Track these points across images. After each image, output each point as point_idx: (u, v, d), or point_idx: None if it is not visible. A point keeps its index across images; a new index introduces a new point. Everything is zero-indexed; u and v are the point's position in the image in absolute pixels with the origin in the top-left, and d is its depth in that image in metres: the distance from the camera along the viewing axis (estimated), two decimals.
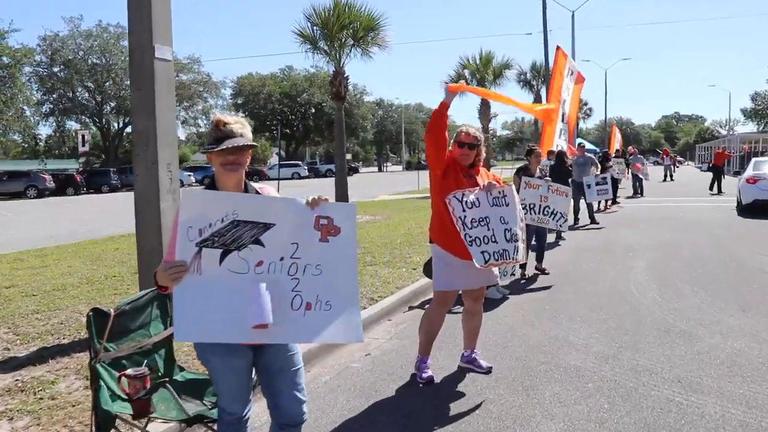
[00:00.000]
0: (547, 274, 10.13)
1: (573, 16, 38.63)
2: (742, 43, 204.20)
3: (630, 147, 30.70)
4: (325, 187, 40.98)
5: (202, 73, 61.93)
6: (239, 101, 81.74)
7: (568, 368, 5.54)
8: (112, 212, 25.46)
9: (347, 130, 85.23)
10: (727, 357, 5.71)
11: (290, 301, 3.07)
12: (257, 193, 3.37)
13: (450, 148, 5.20)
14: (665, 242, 13.08)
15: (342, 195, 18.22)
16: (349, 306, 3.22)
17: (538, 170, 10.33)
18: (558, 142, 18.45)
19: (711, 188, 28.97)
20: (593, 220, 16.88)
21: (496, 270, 5.31)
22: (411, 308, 7.95)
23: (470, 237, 4.88)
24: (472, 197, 4.96)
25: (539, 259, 10.42)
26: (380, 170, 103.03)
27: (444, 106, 4.96)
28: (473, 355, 5.58)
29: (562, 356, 5.87)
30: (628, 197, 26.07)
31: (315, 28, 17.32)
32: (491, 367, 5.48)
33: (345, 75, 17.95)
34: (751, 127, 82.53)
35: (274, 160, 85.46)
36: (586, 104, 77.89)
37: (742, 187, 19.44)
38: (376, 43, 17.90)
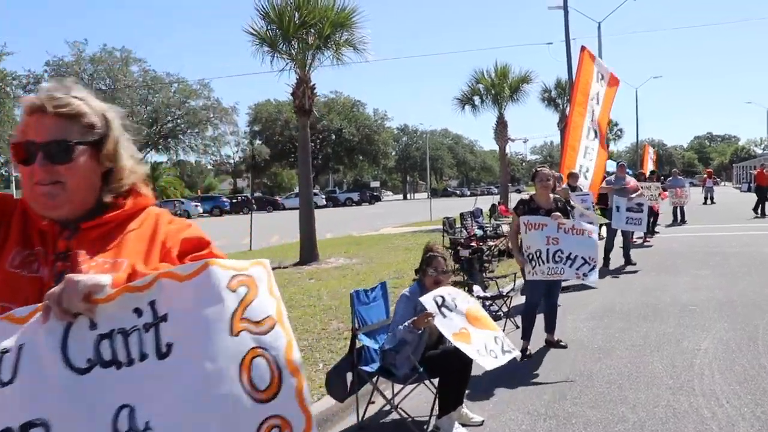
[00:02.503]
0: (564, 347, 6.85)
1: (599, 27, 35.03)
2: None
3: (674, 170, 26.92)
4: (335, 217, 38.52)
5: (212, 99, 59.01)
6: (256, 128, 79.32)
7: None
8: None
9: (368, 156, 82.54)
10: None
11: None
12: None
13: None
14: (733, 298, 9.21)
15: (308, 234, 14.61)
16: None
17: (552, 200, 6.81)
18: (582, 162, 14.77)
19: (756, 210, 25.46)
20: (628, 260, 13.12)
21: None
22: None
23: None
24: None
25: (549, 327, 7.05)
26: (405, 198, 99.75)
27: None
28: None
29: None
30: (669, 225, 22.20)
31: (272, 25, 13.91)
32: None
33: (311, 84, 14.44)
34: None
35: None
36: (616, 125, 74.14)
37: None
38: (350, 45, 14.38)
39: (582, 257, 6.61)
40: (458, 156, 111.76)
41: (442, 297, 4.54)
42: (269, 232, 25.53)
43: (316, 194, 67.60)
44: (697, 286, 10.34)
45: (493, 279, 8.88)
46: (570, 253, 6.57)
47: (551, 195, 6.93)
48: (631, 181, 13.65)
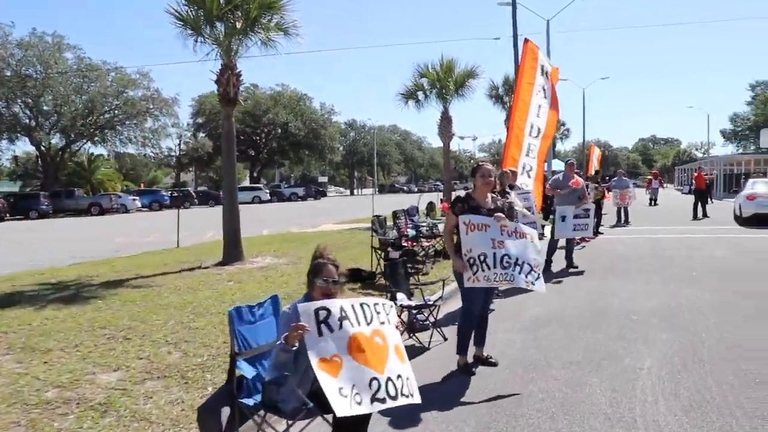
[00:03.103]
0: (494, 364, 6.18)
1: (548, 25, 34.86)
2: (720, 65, 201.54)
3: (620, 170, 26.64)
4: (277, 213, 37.33)
5: (152, 89, 56.94)
6: (200, 120, 77.29)
7: None
8: None
9: (314, 151, 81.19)
10: None
11: None
12: None
13: None
14: (678, 305, 8.68)
15: (231, 232, 13.60)
16: None
17: (490, 199, 6.00)
18: (525, 160, 14.12)
19: (695, 215, 25.30)
20: (570, 264, 12.52)
21: None
22: None
23: None
24: None
25: (479, 340, 6.29)
26: (352, 193, 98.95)
27: None
28: None
29: None
30: (612, 226, 21.85)
31: (194, 6, 12.81)
32: None
33: (237, 71, 13.39)
34: (731, 149, 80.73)
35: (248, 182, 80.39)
36: (563, 125, 74.61)
37: (743, 203, 22.51)
38: (280, 29, 13.39)
39: (528, 264, 5.86)
40: (406, 152, 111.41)
41: (327, 311, 3.68)
42: (206, 228, 24.28)
43: (260, 188, 66.42)
44: (643, 291, 9.77)
45: (418, 286, 8.05)
46: (518, 259, 5.80)
47: (490, 194, 6.16)
48: (578, 180, 12.94)
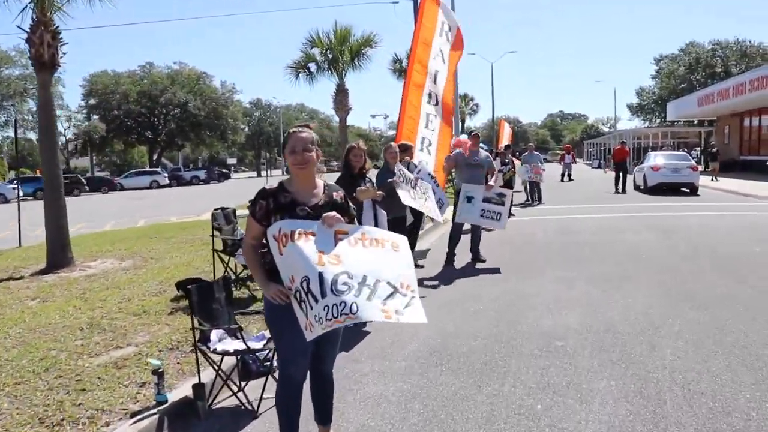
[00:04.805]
0: None
1: None
2: (625, 40, 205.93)
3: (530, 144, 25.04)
4: (168, 198, 34.10)
5: (31, 67, 52.16)
6: (92, 102, 71.99)
7: None
8: None
9: (215, 131, 77.07)
10: None
11: None
12: None
13: None
14: (617, 319, 6.53)
15: (56, 229, 10.76)
16: None
17: (322, 188, 3.61)
18: (424, 133, 11.98)
19: (616, 188, 25.62)
20: (477, 257, 10.43)
21: None
22: None
23: None
24: None
25: (322, 415, 3.96)
26: (259, 175, 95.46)
27: None
28: None
29: None
30: (524, 205, 20.08)
31: None
32: None
33: (53, 28, 10.62)
34: (636, 122, 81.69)
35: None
36: (472, 100, 73.16)
37: (648, 173, 24.21)
38: None
39: (389, 283, 3.33)
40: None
41: None
42: (77, 220, 21.03)
43: (157, 173, 62.39)
44: (567, 298, 7.59)
45: (245, 314, 5.59)
46: (366, 277, 3.27)
47: (320, 181, 3.76)
48: (482, 154, 10.82)
